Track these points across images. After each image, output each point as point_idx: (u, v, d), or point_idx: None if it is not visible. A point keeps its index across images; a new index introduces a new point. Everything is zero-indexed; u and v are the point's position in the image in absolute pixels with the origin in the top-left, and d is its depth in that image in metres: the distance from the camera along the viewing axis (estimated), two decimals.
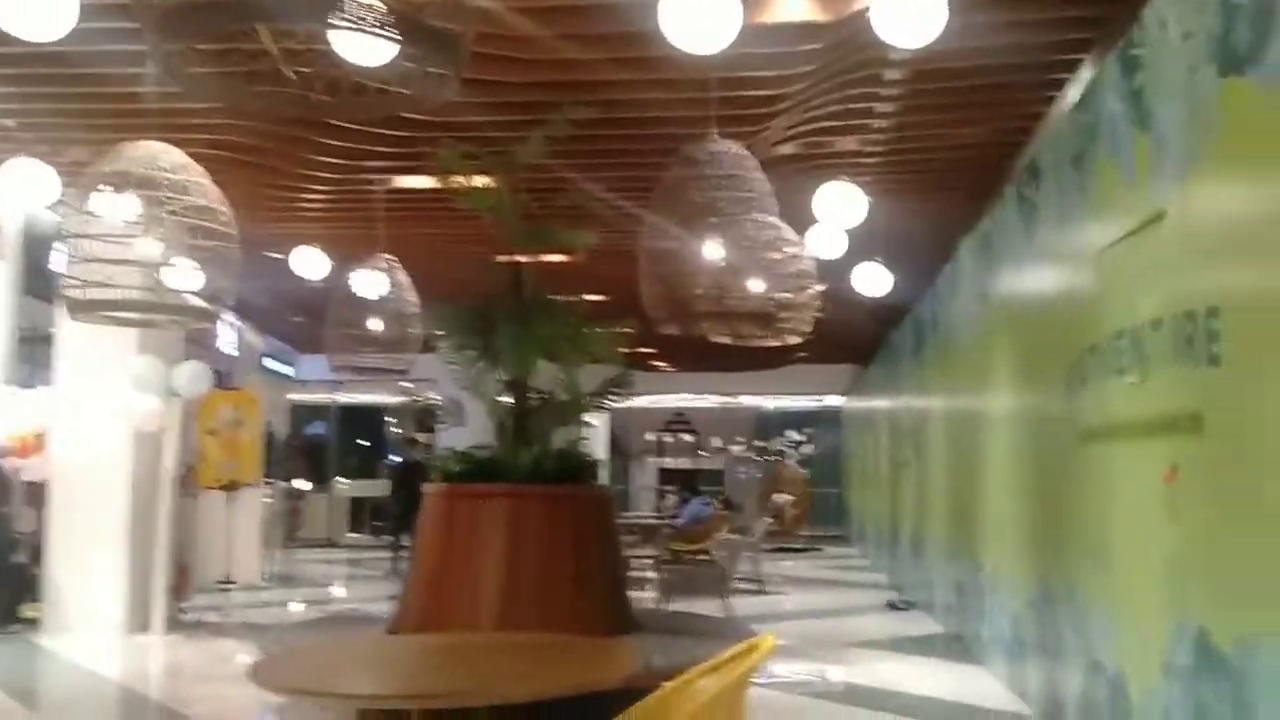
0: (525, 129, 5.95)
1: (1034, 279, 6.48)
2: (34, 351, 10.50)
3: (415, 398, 7.72)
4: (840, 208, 6.47)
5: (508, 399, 6.34)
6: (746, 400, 25.06)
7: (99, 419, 8.79)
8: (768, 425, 26.24)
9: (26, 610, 9.01)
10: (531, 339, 6.05)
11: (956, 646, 8.37)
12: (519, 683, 3.03)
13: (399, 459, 20.99)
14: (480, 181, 6.23)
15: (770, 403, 25.39)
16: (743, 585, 12.03)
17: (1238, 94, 3.45)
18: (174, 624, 8.92)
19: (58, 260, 5.87)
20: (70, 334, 8.95)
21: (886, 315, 13.15)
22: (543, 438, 6.40)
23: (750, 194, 5.26)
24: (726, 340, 7.21)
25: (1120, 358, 4.59)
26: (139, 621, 8.84)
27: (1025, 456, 6.50)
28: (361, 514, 20.95)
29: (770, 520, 15.99)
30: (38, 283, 9.69)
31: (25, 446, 9.24)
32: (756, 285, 5.93)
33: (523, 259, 6.31)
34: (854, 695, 6.77)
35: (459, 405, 6.75)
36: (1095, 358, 4.95)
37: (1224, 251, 3.61)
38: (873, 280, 8.86)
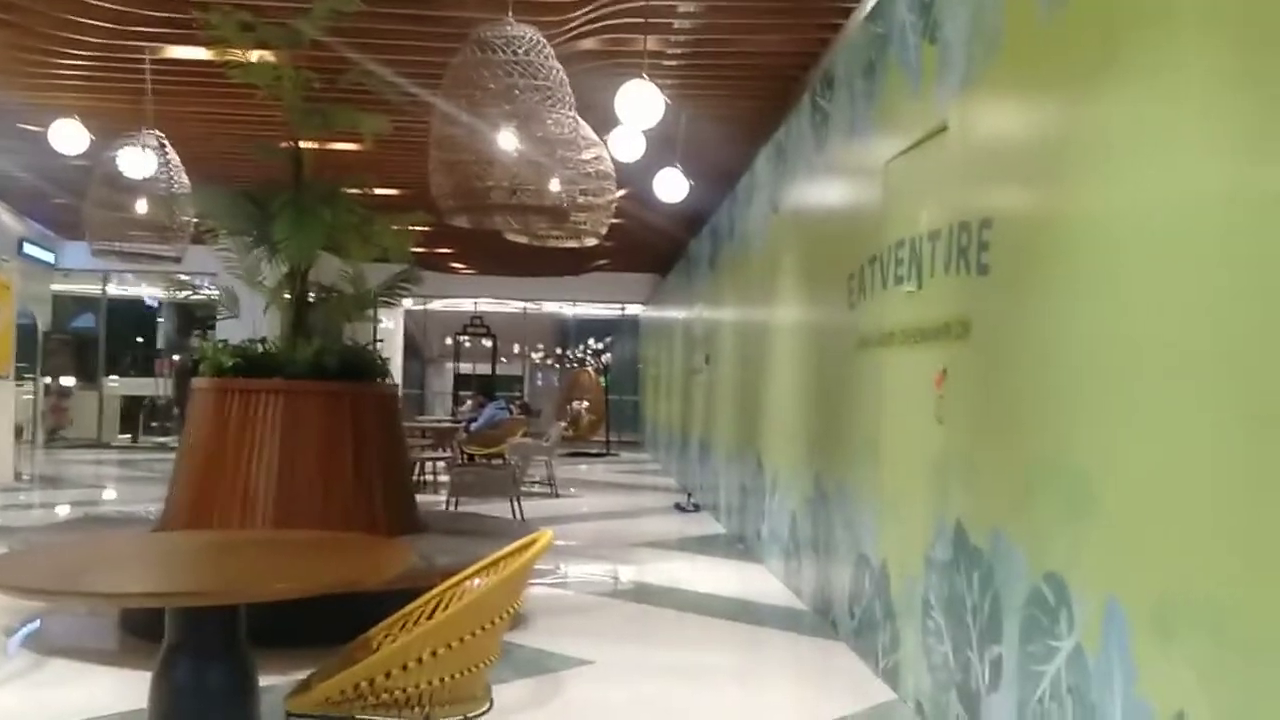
0: (310, 0, 5.55)
1: (823, 189, 6.61)
2: None
3: (188, 289, 7.24)
4: (639, 108, 6.37)
5: (287, 291, 6.02)
6: (548, 306, 24.99)
7: None
8: (568, 333, 26.31)
9: None
10: (312, 228, 5.74)
11: (738, 546, 8.68)
12: (282, 579, 2.88)
13: (180, 355, 19.93)
14: (258, 55, 5.80)
15: (571, 310, 25.41)
16: (536, 489, 12.10)
17: (1020, 10, 3.53)
18: None
19: None
20: None
21: (686, 224, 13.27)
22: (325, 333, 6.14)
23: (547, 84, 5.08)
24: (520, 238, 7.08)
25: (900, 267, 4.73)
26: None
27: (807, 363, 6.71)
28: (135, 413, 19.81)
29: (566, 425, 16.11)
30: None
31: None
32: (552, 180, 5.79)
33: (305, 143, 5.95)
34: (640, 593, 6.92)
35: (233, 297, 6.36)
36: (876, 267, 5.09)
37: (998, 165, 3.73)
38: (672, 186, 8.87)
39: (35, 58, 8.20)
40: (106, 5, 6.94)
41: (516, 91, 4.87)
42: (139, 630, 5.06)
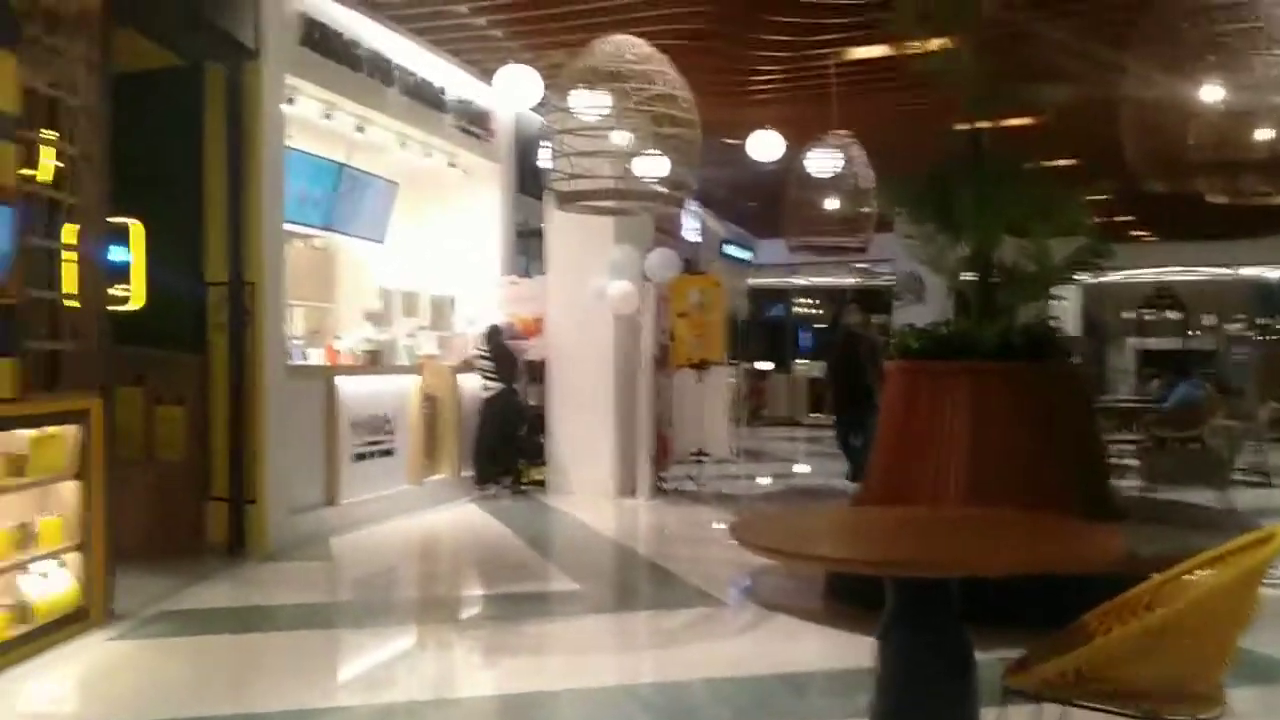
0: None
1: None
2: (528, 244, 11.71)
3: (871, 276, 7.66)
4: None
5: (969, 274, 6.08)
6: (1245, 271, 22.11)
7: (586, 304, 9.65)
8: (1274, 298, 22.98)
9: (534, 474, 10.27)
10: (994, 209, 5.73)
11: None
12: (993, 556, 2.93)
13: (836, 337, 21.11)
14: (936, 44, 5.93)
15: (1276, 273, 22.18)
16: (1243, 477, 10.80)
17: None
18: (656, 491, 9.71)
19: (543, 157, 6.45)
20: (557, 226, 9.85)
21: None
22: (1007, 313, 6.08)
23: (1259, 24, 4.51)
24: (1224, 199, 6.37)
25: None
26: (626, 487, 9.75)
27: None
28: (821, 393, 21.44)
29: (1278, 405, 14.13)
30: (528, 181, 10.74)
31: (527, 330, 10.40)
32: (1265, 132, 5.13)
33: (983, 124, 5.95)
34: None
35: (918, 281, 6.57)
36: None
37: None
38: None
39: (733, 78, 9.24)
40: (793, 19, 7.58)
41: (1222, 39, 4.38)
42: (842, 594, 5.48)
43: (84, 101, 4.97)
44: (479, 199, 10.66)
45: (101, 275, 5.13)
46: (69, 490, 4.92)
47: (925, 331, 6.05)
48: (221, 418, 7.01)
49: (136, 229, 6.42)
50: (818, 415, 21.01)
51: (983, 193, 5.68)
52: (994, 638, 3.40)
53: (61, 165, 4.90)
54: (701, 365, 10.63)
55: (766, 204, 14.19)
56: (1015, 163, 6.01)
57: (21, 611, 4.58)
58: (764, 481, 11.73)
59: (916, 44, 5.91)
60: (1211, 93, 4.65)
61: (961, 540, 3.20)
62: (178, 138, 7.03)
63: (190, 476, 6.96)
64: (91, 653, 4.70)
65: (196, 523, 6.98)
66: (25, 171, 4.56)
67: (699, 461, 10.46)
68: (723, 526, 7.50)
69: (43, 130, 4.71)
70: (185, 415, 6.97)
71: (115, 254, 5.62)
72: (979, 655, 2.94)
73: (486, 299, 10.53)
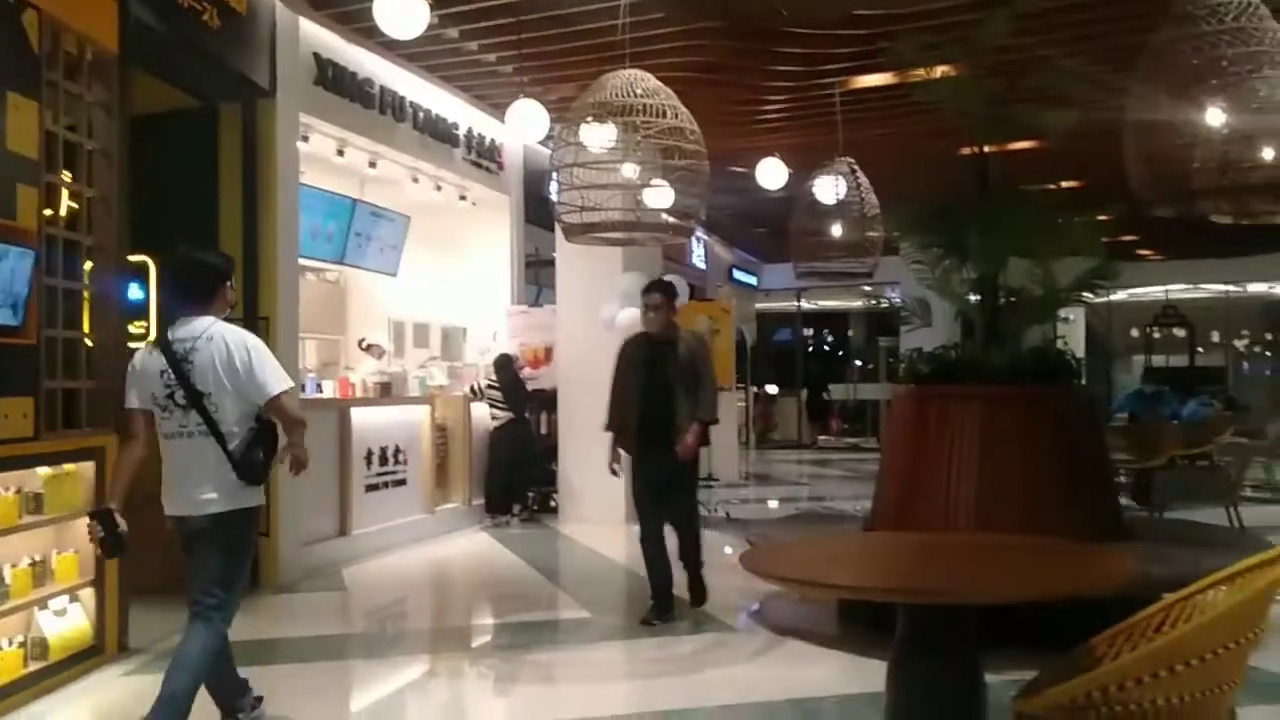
0: (988, 9, 5.61)
1: None
2: (538, 274, 11.78)
3: (877, 300, 7.70)
4: None
5: (976, 297, 6.12)
6: (1253, 288, 22.09)
7: (596, 332, 9.69)
8: None
9: (546, 502, 10.29)
10: (1001, 233, 5.77)
11: None
12: (1008, 583, 2.95)
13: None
14: (940, 71, 6.00)
15: None
16: (1253, 494, 10.79)
17: None
18: None
19: (552, 190, 6.53)
20: (566, 256, 9.91)
21: None
22: (1015, 336, 6.11)
23: (1261, 48, 4.56)
24: (1230, 220, 6.41)
25: None
26: (636, 513, 9.72)
27: None
28: (827, 416, 21.44)
29: None
30: (537, 211, 10.82)
31: (536, 359, 10.45)
32: (1269, 152, 5.18)
33: (989, 149, 6.00)
34: None
35: (924, 306, 6.60)
36: None
37: None
38: None
39: (740, 108, 9.32)
40: (799, 50, 7.66)
41: (1225, 63, 4.44)
42: (855, 618, 5.49)
43: (101, 144, 5.06)
44: (489, 230, 10.74)
45: (119, 314, 5.19)
46: (84, 527, 4.96)
47: (934, 355, 6.08)
48: None
49: (152, 267, 6.50)
50: (826, 438, 21.05)
51: (989, 217, 5.73)
52: (1005, 661, 3.42)
53: (78, 207, 4.98)
54: None
55: (774, 230, 14.28)
56: (1021, 188, 6.06)
57: (38, 647, 4.62)
58: (773, 505, 11.73)
59: (921, 72, 5.97)
60: (1213, 116, 4.70)
61: (973, 566, 3.23)
62: (194, 177, 7.10)
63: None
64: (106, 687, 4.74)
65: None
66: (45, 213, 4.64)
67: (708, 486, 10.48)
68: (731, 551, 7.52)
69: (62, 173, 4.80)
70: None
71: (133, 292, 5.69)
72: (990, 678, 2.96)
73: (497, 329, 10.58)
